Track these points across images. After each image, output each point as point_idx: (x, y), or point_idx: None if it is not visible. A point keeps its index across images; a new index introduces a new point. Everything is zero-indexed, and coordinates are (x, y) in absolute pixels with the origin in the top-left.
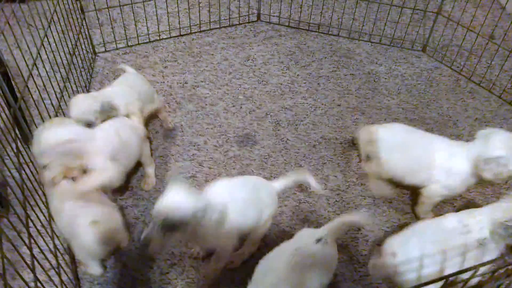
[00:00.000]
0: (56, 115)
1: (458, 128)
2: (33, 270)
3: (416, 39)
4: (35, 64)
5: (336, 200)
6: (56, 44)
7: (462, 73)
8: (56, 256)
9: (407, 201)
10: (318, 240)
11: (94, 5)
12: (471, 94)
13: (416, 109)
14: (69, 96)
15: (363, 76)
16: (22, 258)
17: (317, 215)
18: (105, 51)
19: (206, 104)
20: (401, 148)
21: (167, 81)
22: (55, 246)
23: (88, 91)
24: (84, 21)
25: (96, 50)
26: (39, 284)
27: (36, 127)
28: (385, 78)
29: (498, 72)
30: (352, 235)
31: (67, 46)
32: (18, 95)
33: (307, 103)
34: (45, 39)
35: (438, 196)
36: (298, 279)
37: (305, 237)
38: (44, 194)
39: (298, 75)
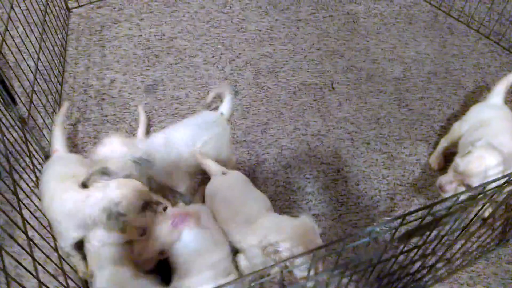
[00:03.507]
0: (35, 78)
1: (435, 65)
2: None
3: None
4: (8, 26)
5: (316, 145)
6: (31, 2)
7: (441, 8)
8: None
9: (385, 141)
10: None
11: None
12: (449, 29)
13: (394, 49)
14: (45, 57)
15: (342, 17)
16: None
17: (298, 160)
18: (79, 6)
19: (185, 56)
20: None
21: (144, 34)
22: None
23: (65, 49)
24: None
25: (69, 5)
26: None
27: (15, 90)
28: (364, 18)
29: (477, 5)
30: (332, 177)
31: (40, 4)
32: None
33: (286, 49)
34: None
35: None
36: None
37: (205, 115)
38: (31, 160)
39: (276, 19)
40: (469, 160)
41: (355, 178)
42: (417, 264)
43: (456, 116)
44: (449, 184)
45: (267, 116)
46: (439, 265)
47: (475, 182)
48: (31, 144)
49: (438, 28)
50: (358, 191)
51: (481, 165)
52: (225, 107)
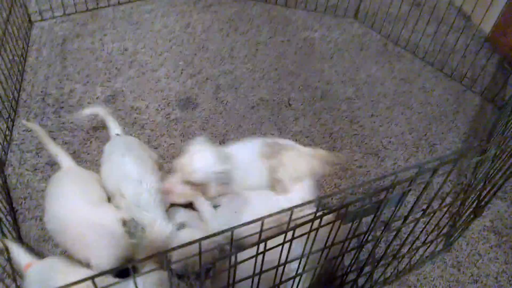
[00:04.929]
0: None
1: (385, 87)
2: None
3: (349, 7)
4: None
5: None
6: None
7: (389, 38)
8: None
9: (337, 153)
10: None
11: None
12: (397, 57)
13: (347, 72)
14: (5, 66)
15: (299, 42)
16: None
17: None
18: (42, 19)
19: (146, 70)
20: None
21: (107, 49)
22: None
23: (25, 59)
24: None
25: (32, 18)
26: None
27: None
28: (319, 44)
29: (421, 36)
30: None
31: (1, 16)
32: None
33: (246, 68)
34: None
35: None
36: None
37: (112, 145)
38: None
39: (237, 41)
40: (185, 158)
41: None
42: (364, 257)
43: (403, 133)
44: (177, 185)
45: (226, 128)
46: (387, 259)
47: (197, 177)
48: None
49: (387, 55)
50: None
51: (198, 159)
52: (113, 127)
